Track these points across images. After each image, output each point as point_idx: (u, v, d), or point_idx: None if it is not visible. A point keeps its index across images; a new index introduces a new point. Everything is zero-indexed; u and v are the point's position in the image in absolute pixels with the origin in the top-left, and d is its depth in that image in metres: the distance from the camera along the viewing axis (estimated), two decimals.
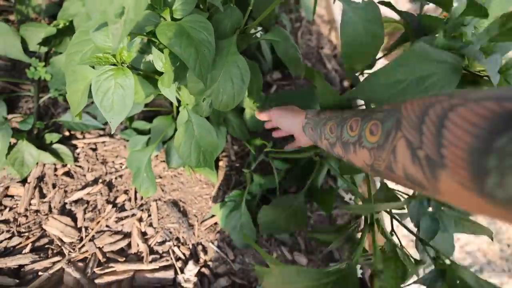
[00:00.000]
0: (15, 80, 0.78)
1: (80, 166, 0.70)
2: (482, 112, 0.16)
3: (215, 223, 0.68)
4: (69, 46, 0.40)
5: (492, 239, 0.47)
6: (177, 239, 0.64)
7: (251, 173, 0.69)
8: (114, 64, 0.38)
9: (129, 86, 0.37)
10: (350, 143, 0.31)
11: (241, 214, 0.61)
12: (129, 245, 0.62)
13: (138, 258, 0.61)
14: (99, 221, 0.63)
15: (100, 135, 0.75)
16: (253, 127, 0.70)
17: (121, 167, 0.72)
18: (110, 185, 0.68)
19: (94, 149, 0.73)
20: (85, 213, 0.63)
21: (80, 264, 0.57)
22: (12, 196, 0.64)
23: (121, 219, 0.64)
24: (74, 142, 0.72)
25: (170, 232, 0.65)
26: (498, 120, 0.15)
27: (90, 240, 0.60)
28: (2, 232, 0.59)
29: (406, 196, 0.49)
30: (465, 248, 1.30)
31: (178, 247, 0.63)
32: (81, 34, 0.40)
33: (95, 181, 0.68)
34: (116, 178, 0.70)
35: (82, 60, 0.39)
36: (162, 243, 0.63)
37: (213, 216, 0.69)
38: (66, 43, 0.72)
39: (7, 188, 0.64)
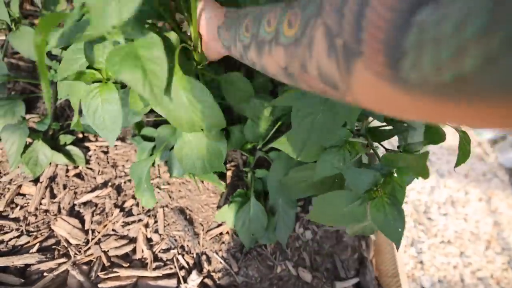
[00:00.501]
0: (35, 81, 0.81)
1: (91, 169, 0.71)
2: None
3: (221, 233, 0.68)
4: (62, 62, 0.42)
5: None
6: (182, 247, 0.64)
7: (252, 170, 0.68)
8: (100, 81, 0.39)
9: (115, 100, 0.38)
10: (266, 42, 0.25)
11: (251, 207, 0.59)
12: (134, 251, 0.61)
13: (142, 264, 0.60)
14: (106, 225, 0.63)
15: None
16: (253, 138, 0.68)
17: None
18: (119, 189, 0.69)
19: (106, 152, 0.74)
20: (93, 215, 0.64)
21: (85, 267, 0.57)
22: (24, 195, 0.65)
23: (127, 223, 0.64)
24: (86, 144, 0.73)
25: (175, 240, 0.64)
26: None
27: (96, 243, 0.61)
28: (12, 230, 0.60)
29: None
30: (477, 274, 1.24)
31: (183, 255, 0.63)
32: (73, 51, 0.41)
33: (104, 184, 0.69)
34: (125, 182, 0.70)
35: (71, 76, 0.39)
36: (166, 250, 0.63)
37: (219, 225, 0.68)
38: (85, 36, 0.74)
39: (19, 186, 0.65)
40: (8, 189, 0.65)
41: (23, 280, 0.53)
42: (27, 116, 0.74)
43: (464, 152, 0.43)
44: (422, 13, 0.12)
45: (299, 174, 0.52)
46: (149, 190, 0.58)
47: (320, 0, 0.19)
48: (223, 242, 0.67)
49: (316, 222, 0.75)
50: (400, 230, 0.36)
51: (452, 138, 0.56)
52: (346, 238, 0.77)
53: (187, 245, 0.64)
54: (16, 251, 0.57)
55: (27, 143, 0.65)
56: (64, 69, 0.41)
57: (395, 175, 0.39)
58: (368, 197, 0.40)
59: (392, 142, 1.19)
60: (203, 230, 0.68)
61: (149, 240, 0.63)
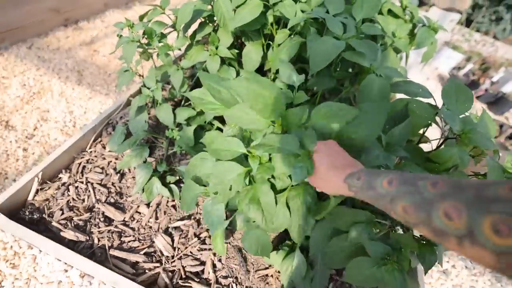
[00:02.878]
0: (157, 135, 1.19)
1: None
2: None
3: (267, 275, 0.85)
4: (190, 162, 0.71)
5: None
6: (236, 278, 0.83)
7: None
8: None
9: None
10: (451, 235, 0.26)
11: (295, 257, 0.76)
12: (202, 271, 0.83)
13: (207, 283, 0.80)
14: (187, 247, 0.87)
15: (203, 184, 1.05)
16: None
17: None
18: (198, 222, 0.94)
19: None
20: (179, 238, 0.89)
21: (170, 273, 0.80)
22: (140, 213, 0.95)
23: (201, 249, 0.87)
24: (182, 185, 1.03)
25: (232, 271, 0.84)
26: None
27: (179, 259, 0.84)
28: (130, 235, 0.88)
29: None
30: None
31: (236, 284, 0.81)
32: (195, 164, 0.71)
33: (189, 217, 0.95)
34: (203, 218, 0.95)
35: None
36: (225, 277, 0.82)
37: (266, 268, 0.86)
38: (197, 120, 1.09)
39: (138, 206, 0.96)
40: (131, 207, 0.96)
41: (133, 271, 0.78)
42: (149, 159, 1.10)
43: None
44: None
45: (339, 244, 0.68)
46: (221, 243, 0.80)
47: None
48: (267, 283, 0.84)
49: (348, 285, 0.86)
50: None
51: None
52: None
53: (240, 277, 0.83)
54: (131, 250, 0.84)
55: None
56: (192, 168, 0.72)
57: (403, 249, 0.55)
58: (383, 264, 0.56)
59: None
60: (253, 268, 0.86)
61: (214, 265, 0.84)
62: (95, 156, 1.08)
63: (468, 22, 4.30)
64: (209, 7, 0.95)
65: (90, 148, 1.11)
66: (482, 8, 4.23)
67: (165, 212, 0.95)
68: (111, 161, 1.07)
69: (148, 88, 1.04)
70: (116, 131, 1.11)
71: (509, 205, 0.22)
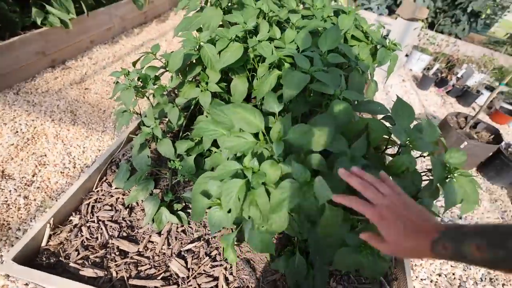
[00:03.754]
0: (160, 168, 1.29)
1: (191, 227, 1.08)
2: None
3: (274, 279, 0.94)
4: (197, 181, 0.83)
5: None
6: (248, 287, 0.92)
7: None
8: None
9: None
10: None
11: (296, 259, 0.86)
12: (217, 286, 0.92)
13: None
14: (200, 266, 0.96)
15: None
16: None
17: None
18: (208, 242, 1.03)
19: None
20: (192, 259, 0.98)
21: None
22: (152, 242, 1.03)
23: (213, 266, 0.96)
24: (189, 211, 1.13)
25: (243, 281, 0.93)
26: None
27: (193, 278, 0.93)
28: (146, 264, 0.96)
29: None
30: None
31: None
32: (201, 182, 0.82)
33: (199, 238, 1.05)
34: (212, 238, 1.05)
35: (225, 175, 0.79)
36: None
37: (273, 274, 0.96)
38: (196, 150, 1.20)
39: (150, 236, 1.05)
40: (144, 237, 1.05)
41: None
42: (155, 191, 1.19)
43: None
44: None
45: (328, 241, 0.81)
46: (233, 253, 0.91)
47: None
48: (276, 287, 0.93)
49: (346, 279, 0.97)
50: (379, 270, 0.62)
51: None
52: None
53: (251, 286, 0.92)
54: (149, 277, 0.92)
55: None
56: (197, 188, 0.83)
57: None
58: (360, 250, 0.68)
59: None
60: (262, 276, 0.95)
61: (227, 279, 0.93)
62: (103, 195, 1.17)
63: (432, 26, 4.68)
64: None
65: (96, 187, 1.20)
66: (442, 13, 4.62)
67: (176, 238, 1.04)
68: (118, 198, 1.16)
69: (148, 127, 1.15)
70: (121, 168, 1.20)
71: None
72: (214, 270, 0.95)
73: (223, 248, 0.93)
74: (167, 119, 1.48)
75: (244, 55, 1.02)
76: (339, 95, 0.83)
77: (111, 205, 1.13)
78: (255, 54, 1.05)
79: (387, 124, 0.76)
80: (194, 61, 1.15)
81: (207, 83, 1.14)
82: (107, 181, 1.22)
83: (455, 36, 4.63)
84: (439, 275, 1.51)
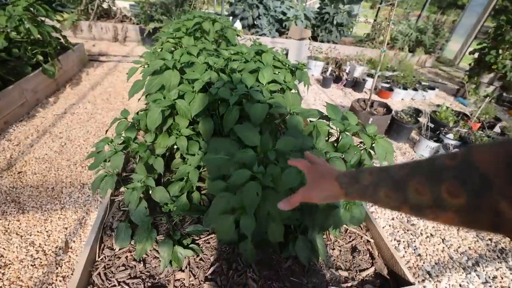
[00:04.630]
0: (158, 215, 1.38)
1: (205, 254, 1.23)
2: None
3: (290, 264, 1.18)
4: (213, 203, 1.04)
5: None
6: (271, 278, 1.13)
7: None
8: None
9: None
10: (424, 207, 0.31)
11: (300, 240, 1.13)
12: (247, 285, 1.10)
13: None
14: (229, 280, 1.12)
15: (208, 234, 1.31)
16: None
17: None
18: (226, 260, 1.20)
19: (208, 243, 1.28)
20: (219, 277, 1.13)
21: None
22: (178, 279, 1.14)
23: (239, 275, 1.14)
24: (197, 241, 1.27)
25: (266, 276, 1.14)
26: None
27: None
28: None
29: None
30: (459, 250, 1.74)
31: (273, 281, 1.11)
32: (217, 202, 1.04)
33: (216, 260, 1.20)
34: (227, 254, 1.22)
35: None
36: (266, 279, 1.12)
37: (287, 260, 1.19)
38: (185, 187, 1.36)
39: (174, 275, 1.15)
40: (169, 280, 1.14)
41: None
42: (158, 237, 1.29)
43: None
44: None
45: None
46: (252, 254, 1.12)
47: (479, 174, 0.25)
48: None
49: (338, 242, 1.28)
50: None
51: None
52: (359, 247, 1.30)
53: (272, 277, 1.14)
54: None
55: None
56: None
57: None
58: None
59: None
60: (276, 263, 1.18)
61: (254, 280, 1.12)
62: (109, 260, 1.20)
63: (315, 39, 5.80)
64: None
65: (99, 256, 1.22)
66: (318, 28, 5.80)
67: (197, 267, 1.18)
68: (127, 256, 1.22)
69: (139, 181, 1.26)
70: (119, 229, 1.26)
71: (452, 171, 0.28)
72: (241, 278, 1.13)
73: (242, 254, 1.12)
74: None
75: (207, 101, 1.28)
76: (290, 111, 1.17)
77: (124, 265, 1.18)
78: (215, 98, 1.31)
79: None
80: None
81: (179, 131, 1.33)
82: (107, 246, 1.25)
83: (332, 42, 5.85)
84: (393, 219, 1.99)
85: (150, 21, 5.17)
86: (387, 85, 4.35)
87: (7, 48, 2.77)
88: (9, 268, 1.46)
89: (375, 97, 4.21)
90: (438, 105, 4.06)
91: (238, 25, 5.14)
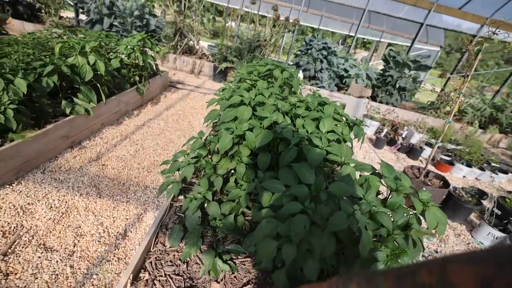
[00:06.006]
0: (205, 227, 1.55)
1: (240, 274, 1.33)
2: None
3: None
4: (258, 227, 1.18)
5: None
6: None
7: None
8: None
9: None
10: None
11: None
12: None
13: None
14: None
15: (245, 256, 1.42)
16: None
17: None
18: (256, 284, 1.28)
19: (244, 264, 1.38)
20: None
21: None
22: None
23: None
24: (234, 260, 1.39)
25: None
26: None
27: None
28: None
29: None
30: None
31: None
32: (264, 227, 1.18)
33: (248, 282, 1.29)
34: (257, 281, 1.30)
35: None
36: None
37: None
38: (235, 209, 1.52)
39: (210, 284, 1.27)
40: (204, 286, 1.26)
41: None
42: (203, 247, 1.44)
43: None
44: None
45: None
46: (285, 284, 1.19)
47: None
48: None
49: None
50: None
51: None
52: None
53: None
54: None
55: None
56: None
57: None
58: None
59: None
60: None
61: None
62: (161, 254, 1.38)
63: (374, 99, 5.92)
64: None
65: (153, 248, 1.41)
66: (378, 89, 5.94)
67: (231, 283, 1.28)
68: (175, 255, 1.38)
69: (199, 193, 1.47)
70: (173, 230, 1.45)
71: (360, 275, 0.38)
72: None
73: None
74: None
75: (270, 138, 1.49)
76: (344, 161, 1.30)
77: (171, 261, 1.34)
78: (277, 136, 1.52)
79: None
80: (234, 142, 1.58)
81: (240, 158, 1.55)
82: (160, 241, 1.45)
83: (391, 104, 5.88)
84: None
85: (224, 61, 5.97)
86: (448, 158, 4.13)
87: (118, 68, 3.52)
88: (83, 238, 1.75)
89: (431, 168, 4.01)
90: (509, 192, 3.67)
91: (300, 75, 5.60)
